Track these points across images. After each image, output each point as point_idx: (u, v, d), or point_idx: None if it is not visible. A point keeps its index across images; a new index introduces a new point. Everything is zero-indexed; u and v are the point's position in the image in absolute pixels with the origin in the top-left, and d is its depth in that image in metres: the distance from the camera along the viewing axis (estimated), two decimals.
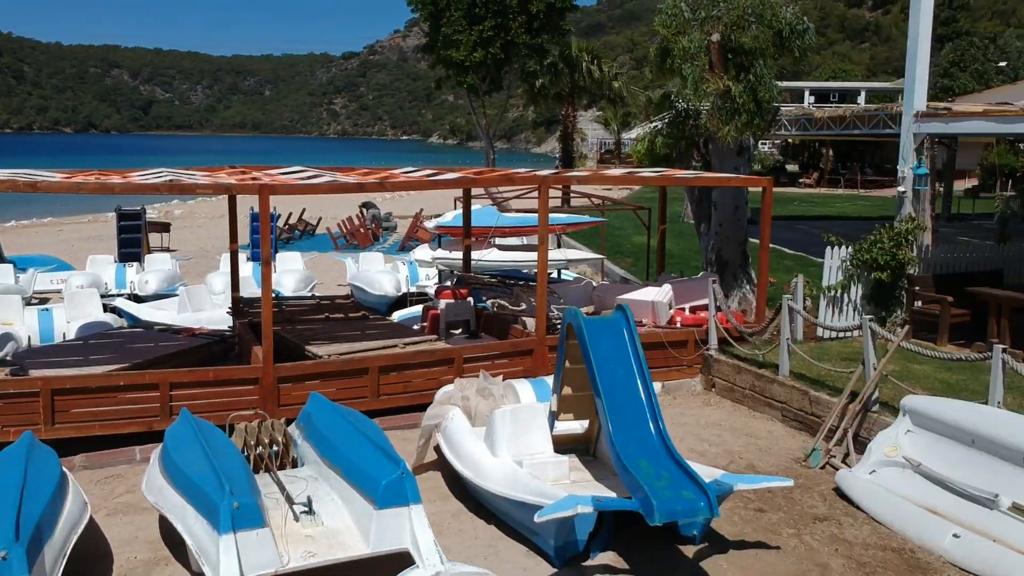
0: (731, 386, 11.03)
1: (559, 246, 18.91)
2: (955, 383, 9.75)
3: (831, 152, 53.05)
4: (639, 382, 7.17)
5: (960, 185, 41.27)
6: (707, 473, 6.95)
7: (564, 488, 6.88)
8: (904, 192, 11.96)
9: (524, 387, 8.76)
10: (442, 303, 12.58)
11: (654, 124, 15.33)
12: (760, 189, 12.18)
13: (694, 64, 12.67)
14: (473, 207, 14.99)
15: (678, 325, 11.80)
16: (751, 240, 13.98)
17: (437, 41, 43.61)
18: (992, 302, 11.21)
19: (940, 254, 12.88)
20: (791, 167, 56.70)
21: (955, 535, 6.93)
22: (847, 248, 12.05)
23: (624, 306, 7.65)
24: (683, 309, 12.18)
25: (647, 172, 12.73)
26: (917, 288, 11.99)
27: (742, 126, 12.34)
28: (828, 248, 12.15)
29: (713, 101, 12.59)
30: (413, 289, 16.62)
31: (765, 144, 59.47)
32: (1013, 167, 41.58)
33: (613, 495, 6.86)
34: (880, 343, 9.47)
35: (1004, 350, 7.98)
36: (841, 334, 11.75)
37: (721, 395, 11.19)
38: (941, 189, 31.08)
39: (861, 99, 61.97)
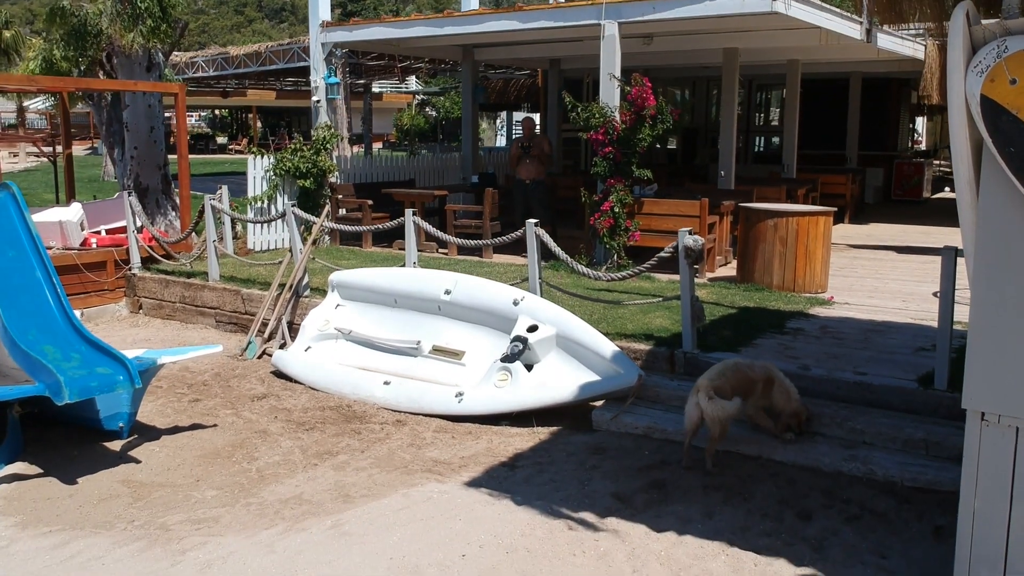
0: (159, 303, 10.28)
1: None
2: None
3: (259, 122, 53.45)
4: (34, 261, 6.19)
5: (378, 145, 44.26)
6: (129, 353, 6.27)
7: None
8: (319, 101, 12.16)
9: None
10: None
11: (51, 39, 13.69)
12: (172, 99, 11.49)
13: None
14: None
15: (94, 247, 10.66)
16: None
17: None
18: (406, 199, 11.96)
19: (359, 164, 13.45)
20: (221, 139, 55.97)
21: (386, 382, 7.17)
22: (270, 158, 11.94)
23: (9, 183, 6.54)
24: (98, 232, 11.05)
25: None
26: (340, 196, 12.35)
27: (148, 32, 11.49)
28: (251, 158, 11.92)
29: (113, 5, 11.54)
30: None
31: (192, 115, 57.70)
32: (421, 128, 45.90)
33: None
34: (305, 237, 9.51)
35: (415, 223, 8.49)
36: (272, 243, 11.65)
37: (150, 314, 10.39)
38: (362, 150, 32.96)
39: None
